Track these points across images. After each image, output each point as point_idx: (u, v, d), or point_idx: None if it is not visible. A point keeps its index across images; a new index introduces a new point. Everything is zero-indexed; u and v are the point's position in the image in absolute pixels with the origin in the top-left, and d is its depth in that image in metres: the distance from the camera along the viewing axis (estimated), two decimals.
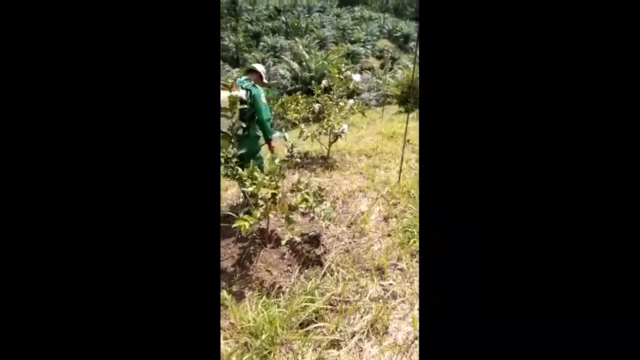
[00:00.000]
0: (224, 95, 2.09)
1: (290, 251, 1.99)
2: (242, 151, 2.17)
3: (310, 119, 3.71)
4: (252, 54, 26.90)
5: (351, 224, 2.21)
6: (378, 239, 1.98)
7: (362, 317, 1.41)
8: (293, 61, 14.87)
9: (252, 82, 2.42)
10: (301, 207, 1.81)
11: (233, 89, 2.17)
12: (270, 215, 1.98)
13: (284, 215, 1.79)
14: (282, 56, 18.05)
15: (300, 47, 15.64)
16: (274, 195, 1.88)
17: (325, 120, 3.26)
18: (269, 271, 1.87)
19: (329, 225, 2.20)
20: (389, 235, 2.01)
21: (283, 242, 1.65)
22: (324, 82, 3.48)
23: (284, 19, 31.24)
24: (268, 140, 2.58)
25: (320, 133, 3.57)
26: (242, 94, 2.19)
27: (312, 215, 1.85)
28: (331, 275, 1.73)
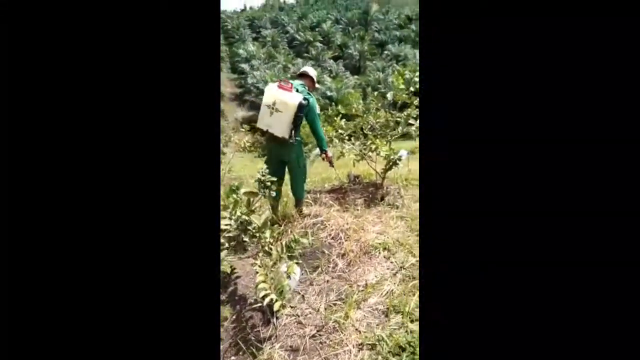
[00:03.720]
0: (286, 95, 1.98)
1: (234, 317, 1.45)
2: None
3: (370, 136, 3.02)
4: (374, 62, 26.82)
5: (335, 302, 1.49)
6: (352, 348, 1.23)
7: None
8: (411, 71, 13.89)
9: (307, 88, 2.20)
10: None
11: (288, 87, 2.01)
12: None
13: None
14: (397, 65, 17.25)
15: (418, 55, 14.50)
16: None
17: (370, 142, 2.52)
18: None
19: (304, 294, 1.55)
20: (372, 347, 1.22)
21: None
22: (389, 95, 2.75)
23: (414, 27, 30.01)
24: (324, 151, 2.40)
25: (378, 156, 2.84)
26: (299, 99, 1.99)
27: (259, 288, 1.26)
28: None
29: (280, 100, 1.98)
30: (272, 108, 1.99)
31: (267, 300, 1.20)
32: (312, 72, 2.34)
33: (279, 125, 2.02)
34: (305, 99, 2.03)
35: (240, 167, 6.80)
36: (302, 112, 2.05)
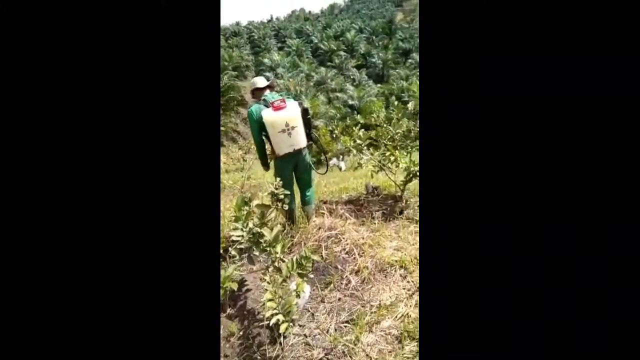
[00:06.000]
0: (288, 110, 2.01)
1: (241, 332, 1.41)
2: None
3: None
4: (398, 70, 26.57)
5: (346, 323, 1.41)
6: None
7: None
8: None
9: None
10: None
11: (282, 103, 2.04)
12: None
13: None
14: None
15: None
16: None
17: (389, 153, 2.44)
18: None
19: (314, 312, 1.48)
20: None
21: None
22: (411, 105, 2.66)
23: None
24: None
25: (397, 167, 2.74)
26: (297, 105, 2.10)
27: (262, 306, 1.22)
28: None
29: (289, 117, 2.00)
30: (288, 129, 2.00)
31: (273, 320, 1.15)
32: (269, 81, 2.28)
33: (299, 139, 2.08)
34: (300, 102, 2.15)
35: (260, 173, 6.88)
36: (309, 113, 2.16)
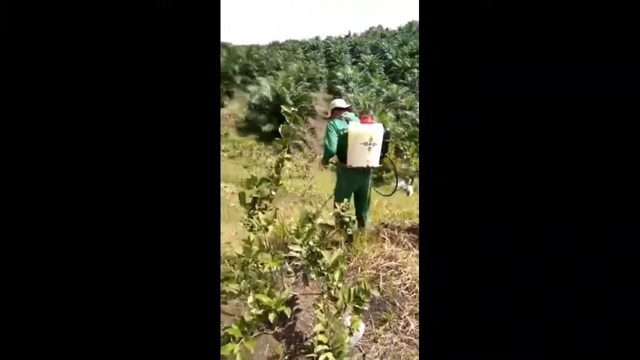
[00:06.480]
0: (375, 127, 2.10)
1: (286, 357, 1.33)
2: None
3: None
4: None
5: None
6: None
7: None
8: None
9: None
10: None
11: (369, 119, 2.18)
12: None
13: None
14: None
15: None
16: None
17: None
18: None
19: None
20: None
21: None
22: None
23: None
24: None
25: None
26: (382, 127, 2.18)
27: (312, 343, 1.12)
28: None
29: (373, 132, 2.06)
30: (370, 144, 2.05)
31: (322, 357, 1.05)
32: (348, 104, 2.43)
33: (375, 157, 2.13)
34: (384, 125, 2.22)
35: (322, 184, 6.93)
36: (389, 137, 2.24)
